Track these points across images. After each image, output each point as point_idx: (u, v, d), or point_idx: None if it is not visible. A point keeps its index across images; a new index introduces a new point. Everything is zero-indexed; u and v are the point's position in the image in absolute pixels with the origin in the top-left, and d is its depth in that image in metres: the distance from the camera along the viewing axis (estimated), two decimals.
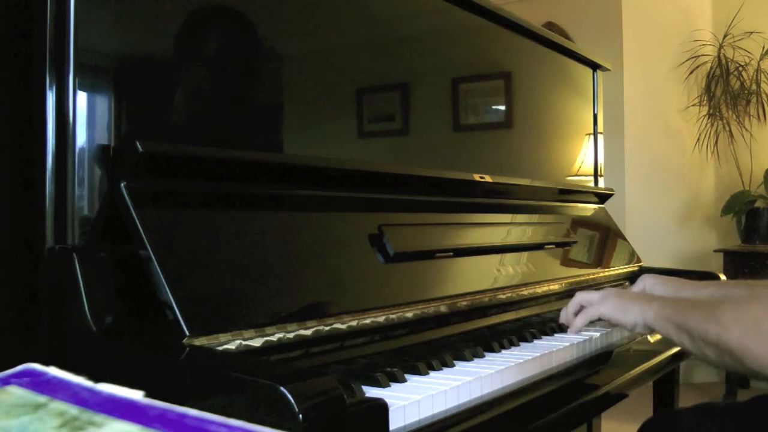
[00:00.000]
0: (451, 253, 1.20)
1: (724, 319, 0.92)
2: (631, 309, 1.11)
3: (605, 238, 1.86)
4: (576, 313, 1.22)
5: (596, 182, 2.08)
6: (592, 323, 1.35)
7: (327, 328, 0.90)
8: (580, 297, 1.22)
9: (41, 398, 0.32)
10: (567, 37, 3.78)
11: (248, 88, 1.03)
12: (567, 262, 1.57)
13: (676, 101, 4.04)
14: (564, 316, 1.25)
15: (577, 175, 2.06)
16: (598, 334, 1.23)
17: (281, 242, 0.93)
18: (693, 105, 4.02)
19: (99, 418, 0.30)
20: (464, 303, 1.19)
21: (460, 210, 1.35)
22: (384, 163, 1.24)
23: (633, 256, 1.88)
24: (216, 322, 0.77)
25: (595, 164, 2.06)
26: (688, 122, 4.03)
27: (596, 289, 1.37)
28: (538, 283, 1.41)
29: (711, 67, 3.99)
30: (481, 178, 1.38)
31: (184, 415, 0.30)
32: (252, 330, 0.80)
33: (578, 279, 1.57)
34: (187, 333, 0.73)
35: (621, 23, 3.89)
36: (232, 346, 0.77)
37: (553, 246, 1.53)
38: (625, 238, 1.92)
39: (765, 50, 3.88)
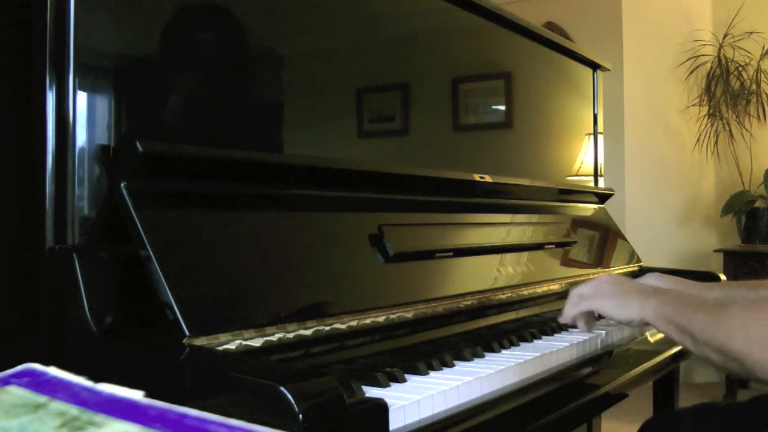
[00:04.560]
0: (451, 253, 1.20)
1: (730, 325, 0.88)
2: (628, 304, 1.07)
3: (605, 238, 1.86)
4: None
5: (596, 182, 2.08)
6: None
7: (327, 328, 0.90)
8: (574, 292, 1.18)
9: (41, 398, 0.32)
10: (567, 37, 3.77)
11: (248, 88, 1.03)
12: (567, 262, 1.57)
13: (676, 101, 4.04)
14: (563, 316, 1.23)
15: (577, 175, 2.06)
16: (601, 333, 1.23)
17: (281, 242, 0.93)
18: (693, 105, 4.02)
19: (99, 418, 0.30)
20: (464, 303, 1.18)
21: (460, 210, 1.35)
22: (384, 163, 1.24)
23: (633, 256, 1.88)
24: (216, 322, 0.77)
25: (595, 164, 2.06)
26: (688, 122, 4.03)
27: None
28: (538, 283, 1.41)
29: (711, 67, 3.99)
30: (481, 178, 1.38)
31: (184, 415, 0.30)
32: (252, 330, 0.80)
33: (578, 279, 1.57)
34: (187, 333, 0.73)
35: (621, 23, 3.89)
36: (232, 346, 0.77)
37: (553, 246, 1.53)
38: (625, 238, 1.92)
39: (765, 50, 3.88)
